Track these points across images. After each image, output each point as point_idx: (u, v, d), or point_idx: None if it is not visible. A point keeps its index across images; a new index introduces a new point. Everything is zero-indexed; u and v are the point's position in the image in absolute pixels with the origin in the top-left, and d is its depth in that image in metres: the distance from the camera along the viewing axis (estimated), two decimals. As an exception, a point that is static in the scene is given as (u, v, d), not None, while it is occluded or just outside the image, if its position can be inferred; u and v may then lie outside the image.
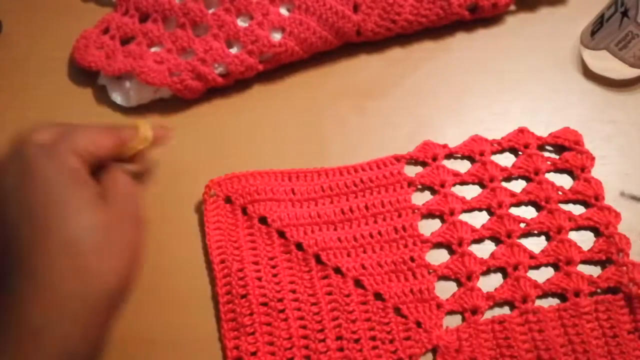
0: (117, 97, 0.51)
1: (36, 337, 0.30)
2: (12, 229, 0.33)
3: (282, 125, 0.51)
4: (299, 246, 0.44)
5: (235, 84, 0.52)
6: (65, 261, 0.31)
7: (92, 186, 0.34)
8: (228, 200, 0.46)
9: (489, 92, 0.52)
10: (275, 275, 0.43)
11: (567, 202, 0.47)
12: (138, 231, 0.35)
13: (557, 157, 0.49)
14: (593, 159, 0.48)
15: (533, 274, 0.45)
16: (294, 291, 0.43)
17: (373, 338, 0.42)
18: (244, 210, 0.46)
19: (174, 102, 0.51)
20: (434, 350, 0.42)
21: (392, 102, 0.52)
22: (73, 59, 0.52)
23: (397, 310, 0.43)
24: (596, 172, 0.48)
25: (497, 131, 0.50)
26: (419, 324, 0.42)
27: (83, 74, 0.52)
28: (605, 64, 0.52)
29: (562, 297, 0.44)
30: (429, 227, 0.46)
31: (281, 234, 0.45)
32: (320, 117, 0.51)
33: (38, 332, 0.30)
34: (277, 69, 0.53)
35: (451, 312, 0.43)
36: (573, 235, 0.46)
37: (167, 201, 0.47)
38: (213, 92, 0.52)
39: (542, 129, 0.50)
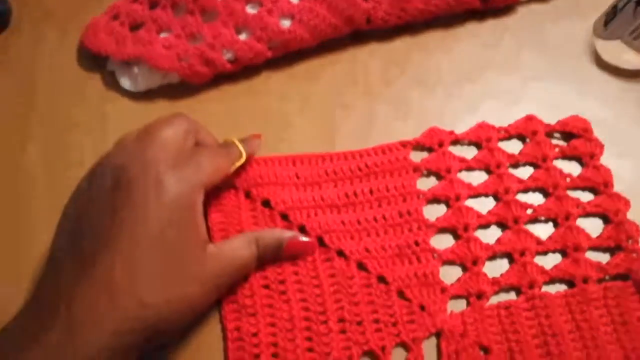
0: (125, 82, 0.52)
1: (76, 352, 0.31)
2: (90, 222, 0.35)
3: (289, 112, 0.51)
4: (302, 229, 0.44)
5: (244, 70, 0.52)
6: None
7: (204, 234, 0.38)
8: (232, 185, 0.46)
9: (499, 83, 0.52)
10: (277, 257, 0.43)
11: (575, 189, 0.47)
12: (209, 299, 0.38)
13: (565, 144, 0.48)
14: (602, 146, 0.48)
15: (540, 260, 0.44)
16: (296, 273, 0.42)
17: (376, 321, 0.41)
18: (247, 194, 0.45)
19: (182, 88, 0.51)
20: (438, 335, 0.41)
21: (401, 90, 0.52)
22: (82, 45, 0.52)
23: (401, 294, 0.42)
24: (607, 163, 0.47)
25: (507, 121, 0.49)
26: (422, 308, 0.42)
27: (92, 60, 0.52)
28: (619, 54, 0.52)
29: (570, 284, 0.43)
30: (434, 212, 0.46)
31: (284, 217, 0.45)
32: (328, 104, 0.51)
33: (78, 346, 0.32)
34: (286, 56, 0.52)
35: (456, 297, 0.42)
36: (581, 222, 0.45)
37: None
38: (221, 78, 0.52)
39: (553, 120, 0.49)
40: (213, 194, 0.44)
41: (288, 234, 0.42)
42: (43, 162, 0.48)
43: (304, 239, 0.42)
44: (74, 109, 0.51)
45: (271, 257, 0.41)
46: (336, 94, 0.52)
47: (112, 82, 0.52)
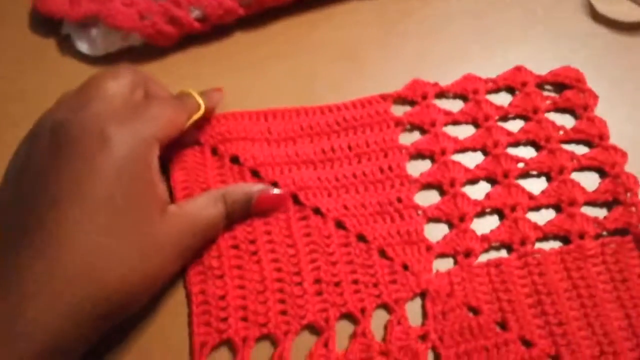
0: (82, 46, 0.48)
1: (28, 323, 0.27)
2: (36, 184, 0.31)
3: (266, 75, 0.47)
4: (275, 186, 0.40)
5: (214, 30, 0.48)
6: (84, 246, 0.29)
7: (163, 194, 0.34)
8: (197, 141, 0.42)
9: (490, 38, 0.49)
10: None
11: (569, 142, 0.44)
12: (174, 266, 0.35)
13: (557, 95, 0.45)
14: (596, 97, 0.45)
15: (532, 216, 0.40)
16: (268, 232, 0.39)
17: (355, 281, 0.37)
18: (214, 151, 0.42)
19: (146, 51, 0.47)
20: (423, 295, 0.37)
21: (386, 50, 0.48)
22: (34, 8, 0.48)
23: (382, 253, 0.39)
24: (602, 115, 0.44)
25: (494, 73, 0.46)
26: (405, 267, 0.38)
27: (45, 24, 0.48)
28: (614, 6, 0.49)
29: (565, 240, 0.40)
30: (418, 168, 0.42)
31: (255, 174, 0.41)
32: (308, 66, 0.47)
33: (30, 319, 0.27)
34: (261, 15, 0.49)
35: (442, 256, 0.39)
36: (576, 177, 0.42)
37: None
38: (189, 39, 0.48)
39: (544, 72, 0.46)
40: (175, 151, 0.41)
41: (257, 187, 0.38)
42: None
43: (275, 191, 0.39)
44: (28, 78, 0.46)
45: (240, 214, 0.38)
46: (316, 55, 0.48)
47: (68, 47, 0.48)
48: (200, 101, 0.39)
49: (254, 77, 0.47)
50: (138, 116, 0.34)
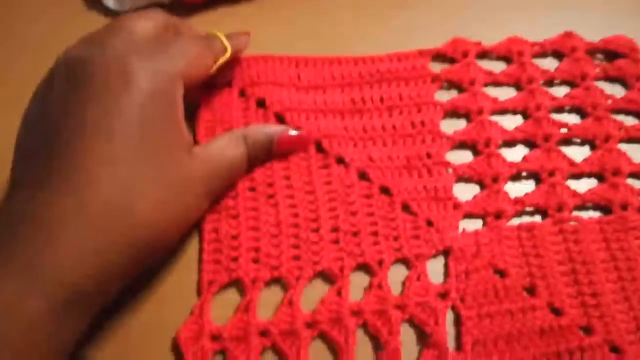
0: (109, 1, 0.47)
1: (55, 263, 0.26)
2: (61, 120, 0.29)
3: (293, 35, 0.45)
4: (299, 130, 0.38)
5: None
6: (115, 192, 0.28)
7: (187, 136, 0.32)
8: (227, 83, 0.41)
9: (537, 3, 0.46)
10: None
11: (617, 112, 0.40)
12: (200, 207, 0.33)
13: (608, 64, 0.42)
14: (651, 67, 0.41)
15: (572, 184, 0.38)
16: (287, 177, 0.37)
17: (375, 233, 0.35)
18: (242, 92, 0.40)
19: (174, 8, 0.45)
20: (446, 254, 0.35)
21: (420, 9, 0.46)
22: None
23: (406, 207, 0.36)
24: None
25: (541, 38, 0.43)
26: (430, 223, 0.36)
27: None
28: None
29: (606, 211, 0.37)
30: (453, 126, 0.40)
31: (279, 118, 0.39)
32: (338, 26, 0.46)
33: (57, 258, 0.26)
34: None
35: (470, 216, 0.37)
36: (623, 147, 0.39)
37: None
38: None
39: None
40: (203, 92, 0.39)
41: (279, 128, 0.37)
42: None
43: (296, 132, 0.37)
44: (54, 35, 0.45)
45: (262, 154, 0.36)
46: (348, 14, 0.46)
47: (94, 2, 0.47)
48: (227, 44, 0.37)
49: (283, 36, 0.45)
50: (162, 52, 0.32)
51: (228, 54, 0.37)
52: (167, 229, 0.30)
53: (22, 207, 0.27)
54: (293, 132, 0.37)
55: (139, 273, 0.30)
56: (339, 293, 0.33)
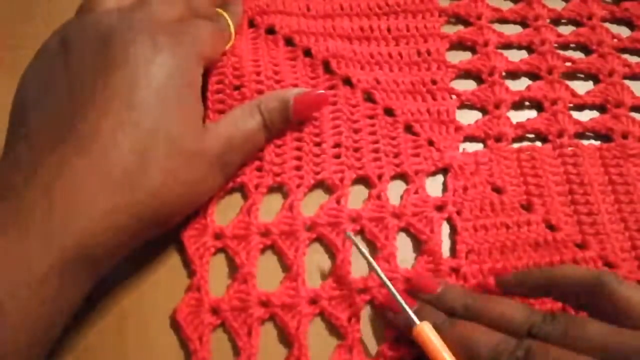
0: None
1: (62, 222, 0.25)
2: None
3: None
4: (307, 52, 0.39)
5: None
6: (128, 155, 0.28)
7: (200, 109, 0.32)
8: None
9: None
10: (276, 74, 0.38)
11: (623, 51, 0.41)
12: (215, 181, 0.33)
13: (615, 5, 0.42)
14: (659, 9, 0.42)
15: (574, 115, 0.38)
16: (293, 95, 0.37)
17: (376, 150, 0.36)
18: (251, 23, 0.41)
19: None
20: (445, 171, 0.35)
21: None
22: None
23: (408, 128, 0.37)
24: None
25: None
26: (431, 143, 0.36)
27: None
28: None
29: (607, 140, 0.37)
30: (458, 57, 0.40)
31: (289, 42, 0.40)
32: None
33: (65, 217, 0.25)
34: None
35: (472, 139, 0.37)
36: (627, 83, 0.39)
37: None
38: None
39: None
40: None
41: (292, 91, 0.35)
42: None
43: (312, 92, 0.36)
44: None
45: (280, 122, 0.35)
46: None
47: None
48: (231, 25, 0.38)
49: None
50: (185, 33, 0.32)
51: (232, 41, 0.38)
52: (177, 202, 0.30)
53: (34, 160, 0.27)
54: (310, 93, 0.36)
55: (147, 240, 0.30)
56: (338, 201, 0.34)
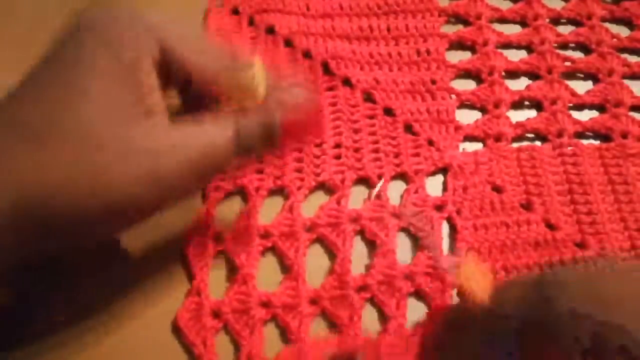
0: None
1: None
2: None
3: None
4: (307, 54, 0.39)
5: None
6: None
7: (158, 99, 0.26)
8: (235, 11, 0.42)
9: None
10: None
11: (622, 50, 0.41)
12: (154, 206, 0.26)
13: (615, 5, 0.43)
14: (657, 9, 0.42)
15: (574, 114, 0.38)
16: (293, 96, 0.38)
17: (376, 150, 0.36)
18: (251, 21, 0.41)
19: None
20: (445, 171, 0.36)
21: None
22: None
23: (408, 128, 0.37)
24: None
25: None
26: (430, 143, 0.36)
27: None
28: None
29: (606, 140, 0.37)
30: (458, 56, 0.40)
31: (288, 43, 0.40)
32: None
33: None
34: None
35: (471, 139, 0.37)
36: (627, 82, 0.39)
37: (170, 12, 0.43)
38: None
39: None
40: (213, 20, 0.40)
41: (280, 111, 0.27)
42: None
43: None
44: None
45: (260, 146, 0.27)
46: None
47: None
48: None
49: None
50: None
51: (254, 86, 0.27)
52: (84, 207, 0.24)
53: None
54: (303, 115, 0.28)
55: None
56: (338, 202, 0.34)
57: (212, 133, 0.26)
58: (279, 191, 0.35)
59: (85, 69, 0.25)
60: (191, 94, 0.29)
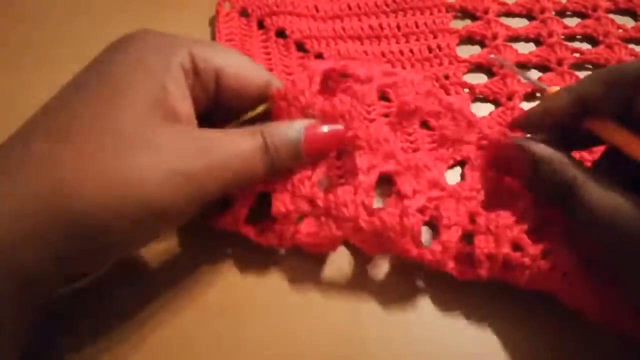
0: None
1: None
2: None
3: None
4: (320, 57, 0.40)
5: None
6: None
7: (187, 105, 0.27)
8: (244, 13, 0.42)
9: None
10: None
11: (629, 41, 0.41)
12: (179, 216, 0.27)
13: (619, -4, 0.43)
14: (661, -1, 0.42)
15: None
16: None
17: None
18: (260, 23, 0.41)
19: None
20: (462, 164, 0.36)
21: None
22: None
23: (424, 123, 0.37)
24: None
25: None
26: (445, 137, 0.37)
27: None
28: None
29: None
30: (468, 51, 0.41)
31: (300, 47, 0.40)
32: None
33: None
34: None
35: (486, 131, 0.37)
36: (635, 72, 0.40)
37: (180, 15, 0.44)
38: None
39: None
40: (222, 24, 0.41)
41: (302, 123, 0.29)
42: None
43: (327, 128, 0.30)
44: None
45: (286, 156, 0.29)
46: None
47: None
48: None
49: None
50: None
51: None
52: (109, 216, 0.24)
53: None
54: (324, 129, 0.30)
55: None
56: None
57: (239, 140, 0.27)
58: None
59: (116, 77, 0.26)
60: (219, 105, 0.30)
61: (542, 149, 0.29)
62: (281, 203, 0.29)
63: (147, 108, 0.26)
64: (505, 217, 0.30)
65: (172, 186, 0.25)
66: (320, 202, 0.29)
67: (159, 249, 0.32)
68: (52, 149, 0.24)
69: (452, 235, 0.30)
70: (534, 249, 0.29)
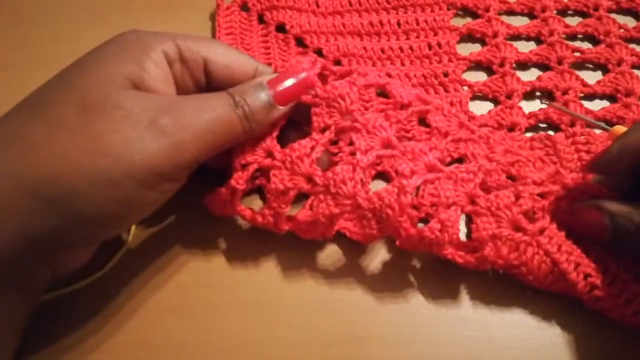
0: None
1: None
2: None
3: None
4: (319, 53, 0.40)
5: None
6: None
7: (172, 91, 0.29)
8: (244, 7, 0.42)
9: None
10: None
11: (630, 40, 0.41)
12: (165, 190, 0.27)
13: (621, -5, 0.43)
14: (663, -1, 0.42)
15: (585, 104, 0.38)
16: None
17: (392, 143, 0.36)
18: (261, 18, 0.41)
19: None
20: (460, 160, 0.36)
21: None
22: None
23: (421, 120, 0.37)
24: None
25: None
26: (445, 134, 0.37)
27: None
28: None
29: (618, 129, 0.37)
30: (468, 49, 0.41)
31: (299, 42, 0.40)
32: None
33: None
34: None
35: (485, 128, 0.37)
36: (636, 72, 0.40)
37: (181, 10, 0.44)
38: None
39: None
40: (223, 18, 0.41)
41: (266, 77, 0.30)
42: None
43: (293, 79, 0.30)
44: None
45: (260, 111, 0.29)
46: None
47: None
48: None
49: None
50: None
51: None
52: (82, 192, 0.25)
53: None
54: (288, 82, 0.30)
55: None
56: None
57: (206, 97, 0.28)
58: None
59: (97, 59, 0.27)
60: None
61: (616, 207, 0.29)
62: (279, 180, 0.29)
63: (121, 80, 0.26)
64: (504, 198, 0.30)
65: (142, 144, 0.25)
66: (318, 180, 0.29)
67: (149, 247, 0.32)
68: (24, 122, 0.25)
69: (450, 215, 0.30)
70: (532, 227, 0.29)
